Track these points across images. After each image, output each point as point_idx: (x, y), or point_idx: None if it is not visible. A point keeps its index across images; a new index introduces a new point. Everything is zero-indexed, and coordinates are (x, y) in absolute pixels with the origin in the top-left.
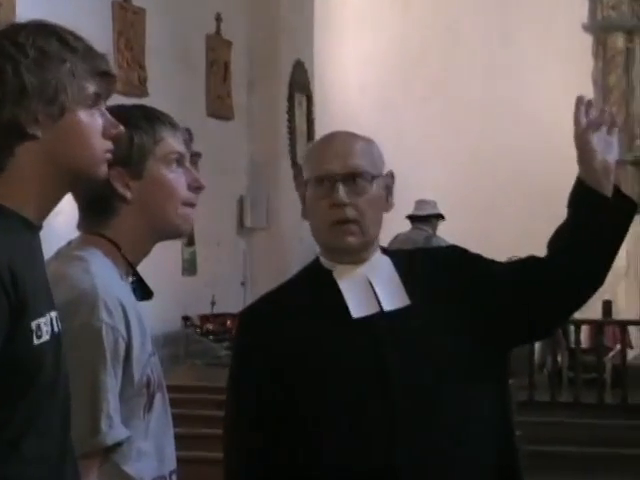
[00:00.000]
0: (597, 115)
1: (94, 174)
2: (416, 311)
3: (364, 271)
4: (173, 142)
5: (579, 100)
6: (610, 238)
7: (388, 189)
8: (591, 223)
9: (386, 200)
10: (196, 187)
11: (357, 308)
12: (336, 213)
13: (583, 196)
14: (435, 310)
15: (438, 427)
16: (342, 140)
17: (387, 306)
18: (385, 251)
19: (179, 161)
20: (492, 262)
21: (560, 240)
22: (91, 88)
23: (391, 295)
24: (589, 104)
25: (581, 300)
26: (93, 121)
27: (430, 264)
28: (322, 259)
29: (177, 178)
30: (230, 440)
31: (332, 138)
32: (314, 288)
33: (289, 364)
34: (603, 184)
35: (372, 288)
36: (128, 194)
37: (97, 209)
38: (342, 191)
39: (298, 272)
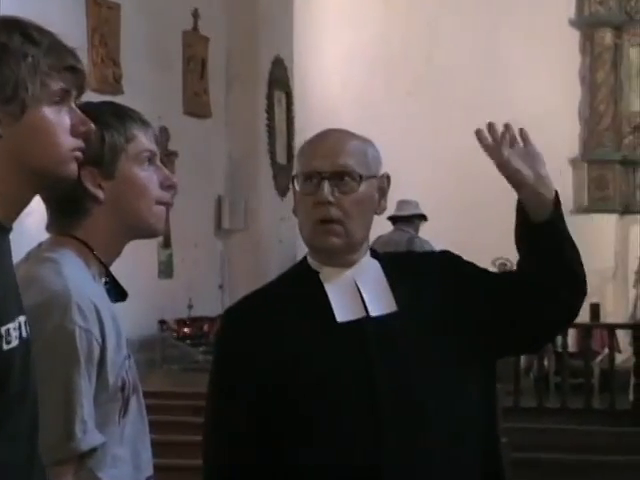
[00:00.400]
0: (503, 133)
1: (62, 173)
2: (403, 316)
3: (352, 274)
4: (144, 140)
5: (478, 133)
6: (563, 244)
7: (381, 191)
8: (542, 241)
9: (378, 202)
10: (168, 185)
11: (342, 312)
12: (320, 211)
13: (524, 221)
14: (423, 315)
15: (424, 429)
16: (335, 138)
17: (373, 311)
18: (376, 254)
19: (151, 159)
20: (485, 271)
21: (526, 262)
22: (57, 84)
23: (378, 300)
24: (490, 128)
25: (570, 313)
26: (59, 118)
27: (421, 269)
28: (310, 259)
29: (149, 177)
30: (210, 441)
31: (325, 135)
32: (300, 289)
33: (273, 366)
34: (544, 193)
35: (359, 292)
36: (100, 194)
37: (68, 210)
38: (327, 189)
39: (285, 271)
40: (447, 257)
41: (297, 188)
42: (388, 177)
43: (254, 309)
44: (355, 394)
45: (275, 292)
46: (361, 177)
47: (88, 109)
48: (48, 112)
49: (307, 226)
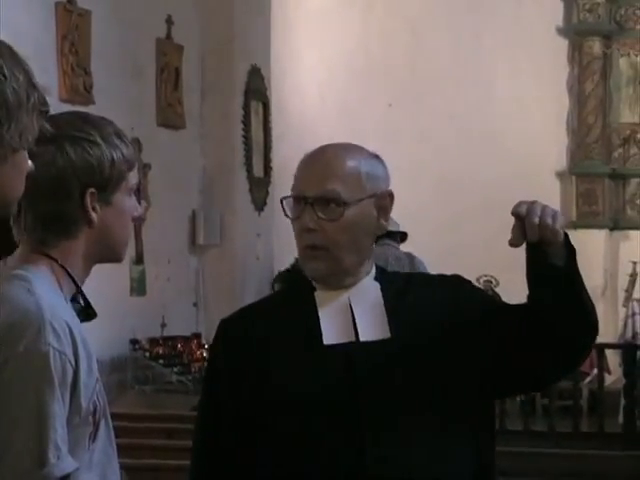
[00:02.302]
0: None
1: (9, 213)
2: (396, 344)
3: (348, 296)
4: (136, 169)
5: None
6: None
7: (382, 210)
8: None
9: (377, 221)
10: (137, 217)
11: (330, 334)
12: (305, 238)
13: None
14: (419, 344)
15: (408, 460)
16: (327, 159)
17: (364, 336)
18: (382, 274)
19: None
20: (495, 302)
21: (542, 309)
22: (36, 126)
23: (371, 325)
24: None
25: (579, 358)
26: (26, 162)
27: (426, 293)
28: None
29: (133, 208)
30: (196, 451)
31: (320, 154)
32: (296, 305)
33: (257, 382)
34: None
35: (353, 315)
36: (95, 219)
37: (56, 228)
38: (308, 216)
39: (287, 285)
40: (456, 283)
41: (288, 212)
42: (391, 194)
43: (247, 322)
44: (336, 418)
45: (271, 307)
46: (345, 203)
47: (91, 122)
48: (24, 155)
49: (298, 250)
